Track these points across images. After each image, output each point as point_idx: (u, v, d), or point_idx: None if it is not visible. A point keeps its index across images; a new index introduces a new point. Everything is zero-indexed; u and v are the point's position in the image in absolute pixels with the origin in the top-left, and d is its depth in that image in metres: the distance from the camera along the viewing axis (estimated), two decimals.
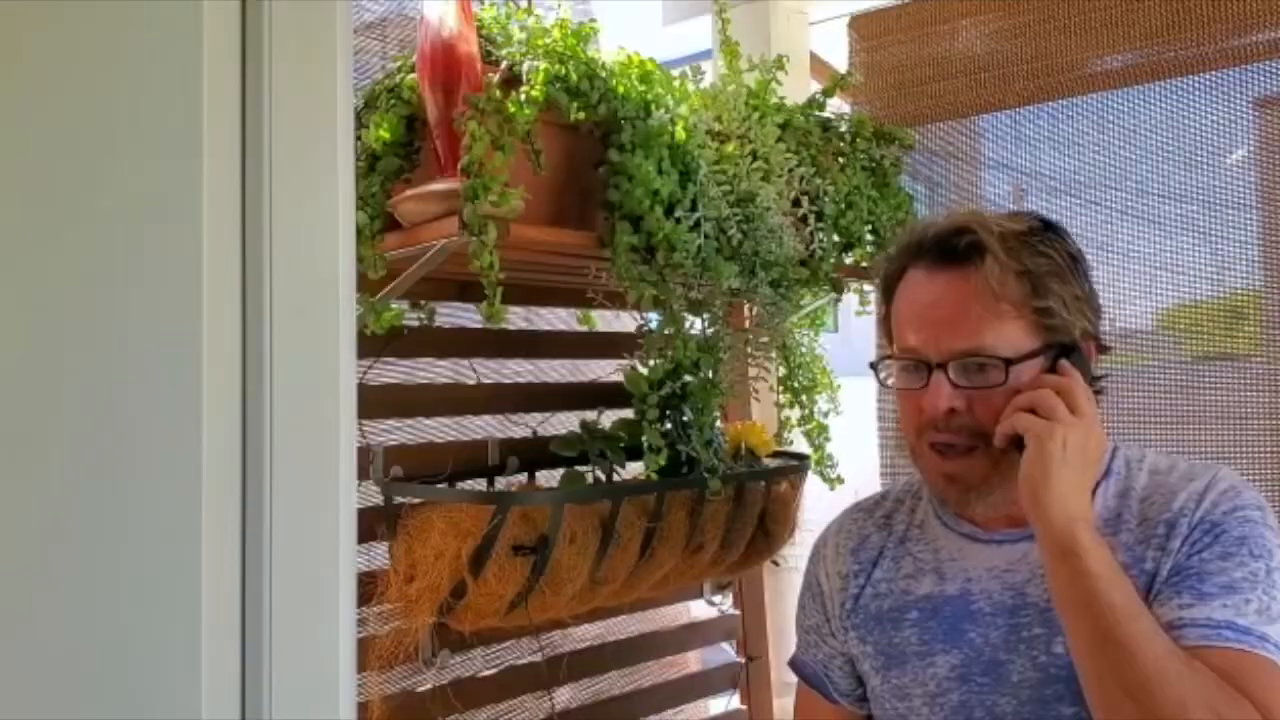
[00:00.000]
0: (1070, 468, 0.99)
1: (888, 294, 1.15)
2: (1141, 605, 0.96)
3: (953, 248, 1.06)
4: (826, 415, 1.52)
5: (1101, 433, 1.05)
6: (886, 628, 1.15)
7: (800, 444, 1.58)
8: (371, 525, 1.31)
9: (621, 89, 1.24)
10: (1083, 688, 0.97)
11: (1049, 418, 1.00)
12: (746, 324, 1.57)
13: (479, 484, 1.42)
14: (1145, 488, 1.07)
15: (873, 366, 1.16)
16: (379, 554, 1.32)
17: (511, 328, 1.53)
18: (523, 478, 1.46)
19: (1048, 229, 1.10)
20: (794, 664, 1.28)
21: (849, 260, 1.57)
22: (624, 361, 1.38)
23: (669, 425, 1.38)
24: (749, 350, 1.44)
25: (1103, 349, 1.13)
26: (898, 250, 1.14)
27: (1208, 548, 1.01)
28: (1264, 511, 1.03)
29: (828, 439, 1.51)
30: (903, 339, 1.10)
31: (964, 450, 1.07)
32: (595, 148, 1.25)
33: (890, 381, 1.13)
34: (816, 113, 1.56)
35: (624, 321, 1.54)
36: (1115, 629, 0.93)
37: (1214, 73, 1.68)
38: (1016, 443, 1.03)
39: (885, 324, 1.16)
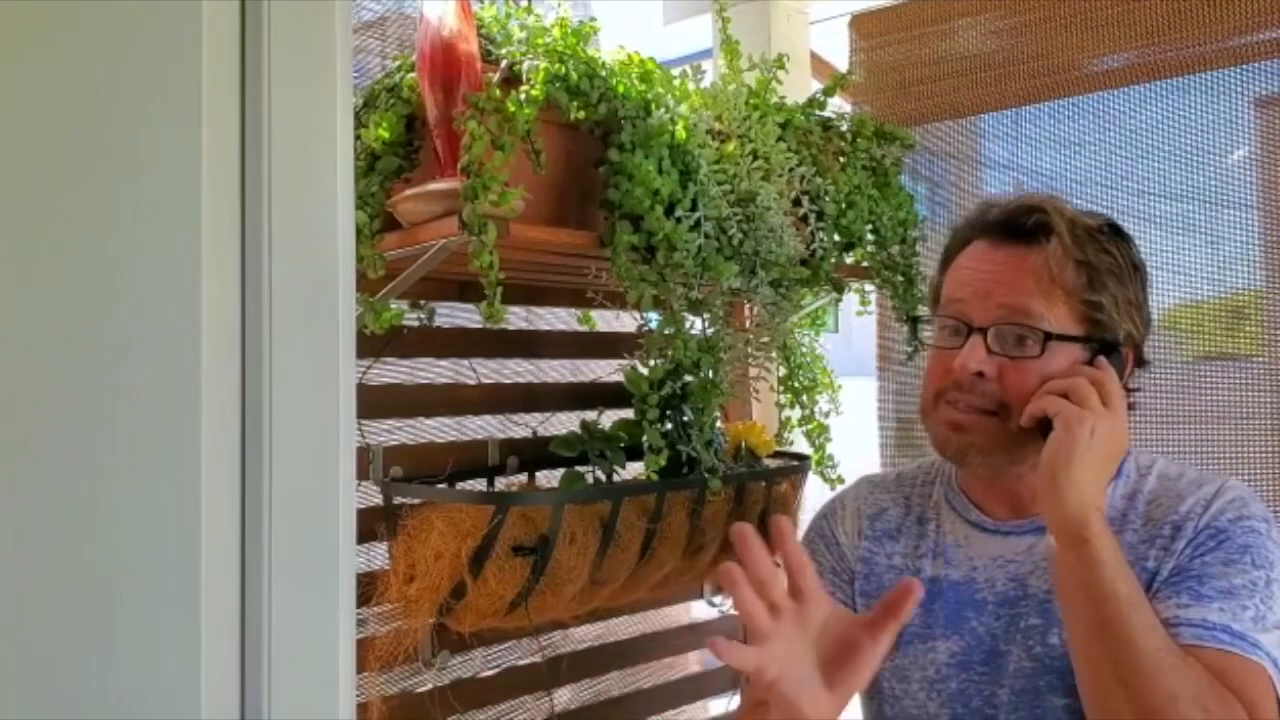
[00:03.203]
0: (1094, 457, 1.00)
1: (946, 262, 1.16)
2: (1144, 597, 0.97)
3: (1020, 224, 1.08)
4: (827, 415, 1.51)
5: (1126, 431, 1.05)
6: None
7: (800, 444, 1.58)
8: (371, 525, 1.31)
9: (621, 88, 1.24)
10: (1076, 674, 0.98)
11: (1081, 405, 1.01)
12: (746, 324, 1.57)
13: (479, 484, 1.42)
14: (1153, 491, 1.08)
15: (914, 321, 1.17)
16: (379, 554, 1.32)
17: (511, 328, 1.53)
18: (523, 478, 1.46)
19: (1121, 233, 1.11)
20: None
21: (850, 260, 1.57)
22: (624, 361, 1.38)
23: (669, 425, 1.38)
24: (749, 350, 1.43)
25: (1141, 362, 1.13)
26: (965, 223, 1.16)
27: (1210, 552, 1.02)
28: (1270, 524, 1.04)
29: (828, 439, 1.51)
30: (949, 297, 1.12)
31: (984, 412, 1.07)
32: (595, 147, 1.25)
33: (928, 338, 1.15)
34: (817, 112, 1.55)
35: (624, 321, 1.53)
36: (1116, 617, 0.94)
37: (1214, 72, 1.68)
38: (1041, 426, 1.03)
39: (935, 292, 1.17)
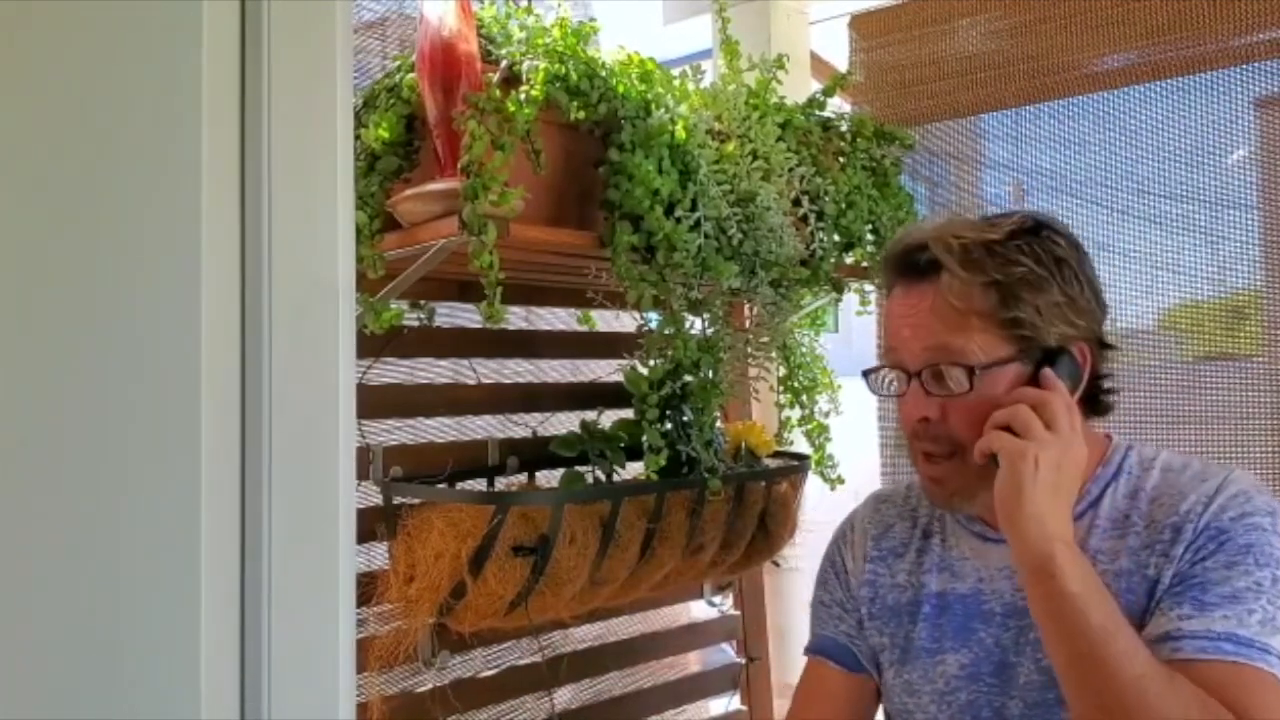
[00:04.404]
0: (1042, 487, 0.98)
1: (884, 304, 1.16)
2: (1122, 622, 0.95)
3: (914, 263, 1.07)
4: (826, 415, 1.51)
5: (1081, 447, 1.02)
6: (904, 621, 1.15)
7: (800, 444, 1.58)
8: (371, 525, 1.31)
9: (621, 88, 1.24)
10: (1067, 703, 0.97)
11: (1023, 435, 0.99)
12: (746, 324, 1.57)
13: (479, 484, 1.42)
14: (1156, 487, 1.06)
15: (865, 375, 1.16)
16: (379, 554, 1.32)
17: (511, 327, 1.53)
18: (523, 478, 1.46)
19: (1035, 231, 1.07)
20: (813, 645, 1.23)
21: (849, 260, 1.57)
22: (624, 361, 1.38)
23: (669, 425, 1.38)
24: (749, 350, 1.43)
25: (1105, 347, 1.11)
26: (884, 263, 1.15)
27: (1211, 555, 0.99)
28: (1274, 518, 1.01)
29: (828, 439, 1.51)
30: (885, 345, 1.13)
31: (946, 456, 1.07)
32: (595, 147, 1.25)
33: (875, 389, 1.14)
34: (817, 112, 1.56)
35: (624, 321, 1.53)
36: (1093, 649, 0.92)
37: (1215, 72, 1.68)
38: (994, 459, 1.02)
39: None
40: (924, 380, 1.06)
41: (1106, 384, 1.11)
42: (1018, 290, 1.03)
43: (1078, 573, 0.96)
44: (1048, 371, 1.04)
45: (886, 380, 1.12)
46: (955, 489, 1.08)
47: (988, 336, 1.04)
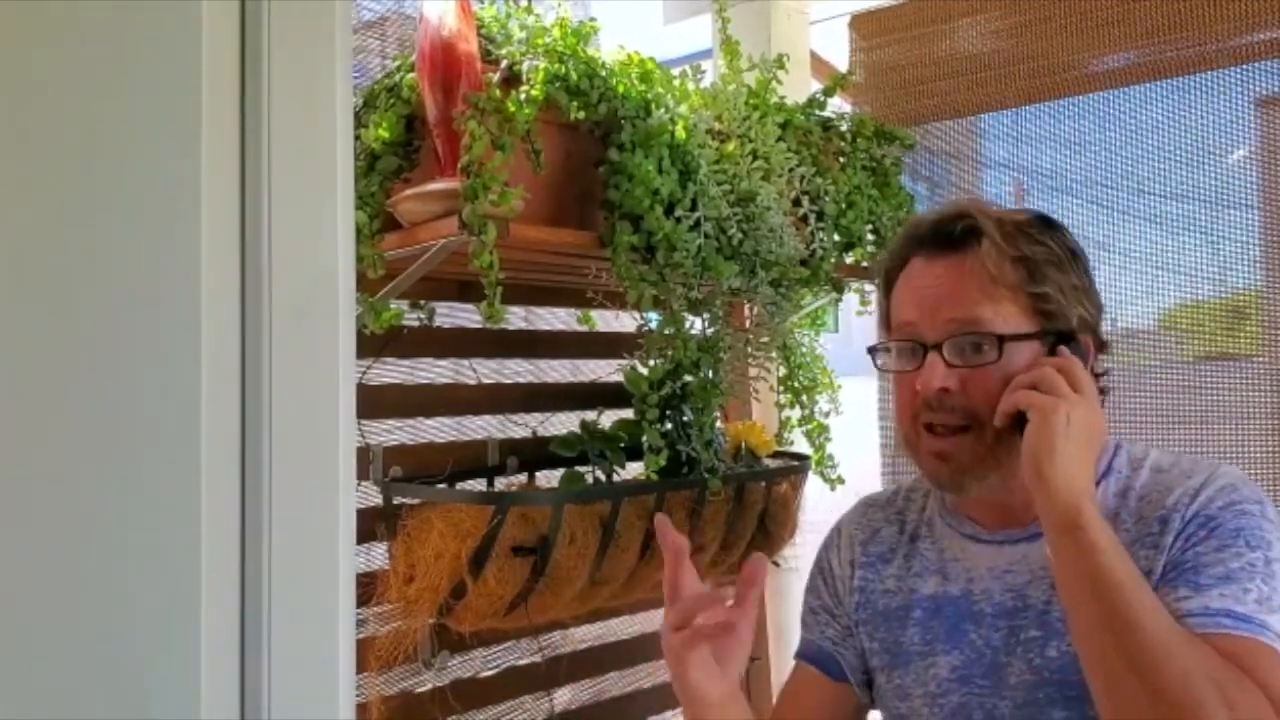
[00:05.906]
0: (1074, 443, 0.98)
1: (888, 285, 1.15)
2: (1144, 581, 0.95)
3: (950, 233, 1.07)
4: (827, 415, 1.51)
5: (1102, 416, 1.04)
6: (893, 626, 1.15)
7: (800, 444, 1.58)
8: (371, 525, 1.31)
9: (621, 88, 1.24)
10: (1084, 666, 0.96)
11: (1052, 393, 1.00)
12: (746, 324, 1.57)
13: (479, 484, 1.42)
14: (1145, 485, 1.07)
15: (871, 351, 1.16)
16: (379, 554, 1.32)
17: (511, 328, 1.53)
18: (523, 478, 1.46)
19: (1048, 225, 1.10)
20: (799, 649, 1.24)
21: (849, 260, 1.57)
22: (624, 361, 1.38)
23: (669, 425, 1.38)
24: (749, 350, 1.43)
25: (1102, 346, 1.12)
26: (899, 243, 1.15)
27: (1203, 541, 1.00)
28: (1263, 505, 1.02)
29: (828, 439, 1.51)
30: (900, 320, 1.11)
31: (957, 429, 1.06)
32: (595, 147, 1.25)
33: (886, 365, 1.13)
34: (817, 112, 1.56)
35: (624, 321, 1.53)
36: (1120, 604, 0.92)
37: (1215, 71, 1.68)
38: (1017, 423, 1.02)
39: (884, 317, 1.16)
40: (944, 351, 1.05)
41: (1101, 383, 1.12)
42: (1044, 268, 1.06)
43: (1104, 527, 0.96)
44: (1064, 348, 1.06)
45: (893, 355, 1.11)
46: (966, 465, 1.06)
47: (1015, 309, 1.05)
